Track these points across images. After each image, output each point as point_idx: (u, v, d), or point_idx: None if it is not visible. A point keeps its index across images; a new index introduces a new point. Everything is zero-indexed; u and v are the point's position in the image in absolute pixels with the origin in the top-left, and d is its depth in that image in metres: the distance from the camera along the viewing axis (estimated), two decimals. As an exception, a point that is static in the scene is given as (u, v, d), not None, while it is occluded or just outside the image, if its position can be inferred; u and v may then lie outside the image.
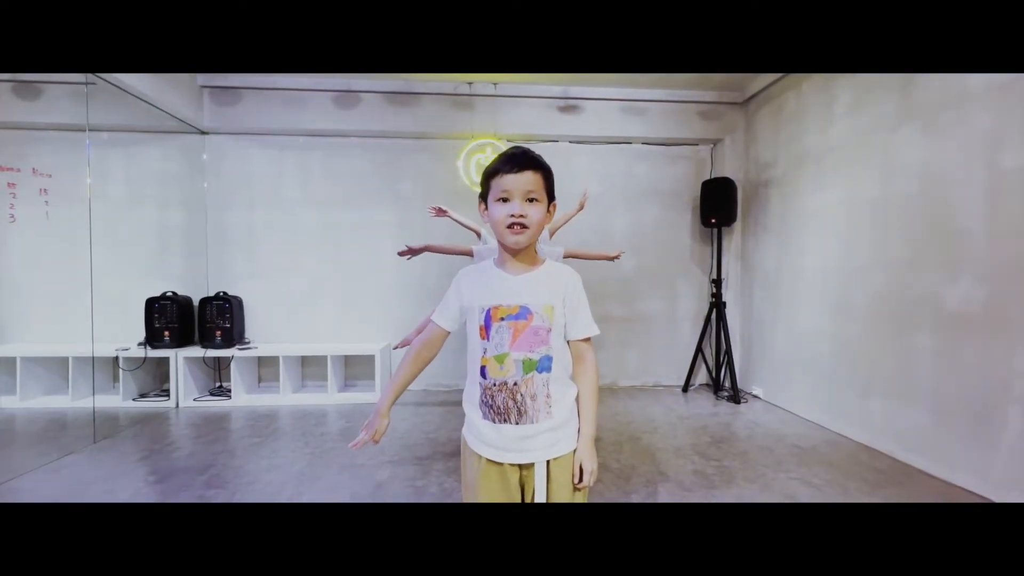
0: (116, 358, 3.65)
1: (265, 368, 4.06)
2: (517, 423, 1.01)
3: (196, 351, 3.74)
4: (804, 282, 3.44)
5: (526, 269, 1.07)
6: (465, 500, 1.14)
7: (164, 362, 3.77)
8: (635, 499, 2.13)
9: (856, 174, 2.98)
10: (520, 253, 1.05)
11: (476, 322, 1.04)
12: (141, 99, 3.41)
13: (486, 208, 1.05)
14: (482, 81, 4.01)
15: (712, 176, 4.21)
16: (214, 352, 3.74)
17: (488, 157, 4.04)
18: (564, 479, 1.05)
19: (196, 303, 3.88)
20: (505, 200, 0.99)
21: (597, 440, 1.10)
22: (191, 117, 3.82)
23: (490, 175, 1.03)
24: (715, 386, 4.07)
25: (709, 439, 2.96)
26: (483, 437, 1.04)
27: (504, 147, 4.07)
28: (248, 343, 3.92)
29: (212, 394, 3.83)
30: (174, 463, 2.57)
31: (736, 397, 3.81)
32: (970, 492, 2.21)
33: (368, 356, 3.91)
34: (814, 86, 3.34)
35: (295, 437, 2.98)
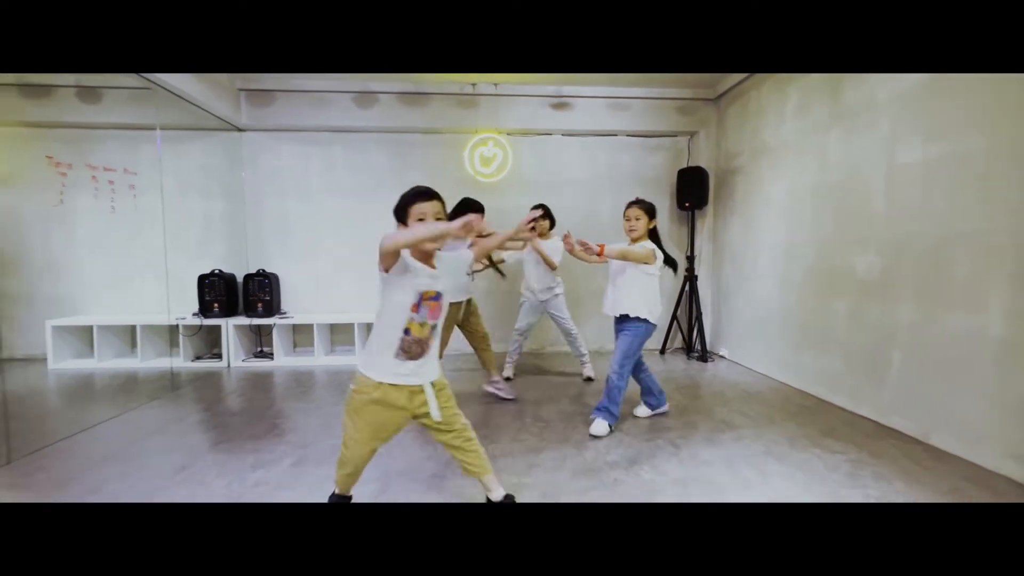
0: (176, 326, 4.29)
1: (299, 335, 4.70)
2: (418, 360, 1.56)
3: (242, 320, 4.38)
4: (762, 258, 4.03)
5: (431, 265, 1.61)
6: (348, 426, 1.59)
7: (214, 329, 4.42)
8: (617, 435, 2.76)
9: (799, 165, 3.54)
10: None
11: (410, 299, 1.51)
12: (188, 100, 3.96)
13: (404, 226, 1.57)
14: (484, 82, 4.53)
15: (687, 165, 4.76)
16: (258, 320, 4.38)
17: (490, 150, 4.62)
18: (442, 398, 1.63)
19: (240, 279, 4.51)
20: (421, 220, 1.52)
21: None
22: (230, 116, 4.38)
23: (408, 203, 1.56)
24: (687, 348, 4.69)
25: (675, 387, 3.59)
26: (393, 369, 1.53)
27: (504, 141, 4.64)
28: (285, 313, 4.55)
29: (256, 356, 4.49)
30: (242, 406, 3.23)
31: (704, 357, 4.44)
32: (868, 419, 2.84)
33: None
34: (772, 87, 3.87)
35: (333, 389, 3.63)
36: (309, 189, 4.70)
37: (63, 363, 4.19)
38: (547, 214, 3.65)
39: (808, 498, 1.94)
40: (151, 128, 4.46)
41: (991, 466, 2.18)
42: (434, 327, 1.58)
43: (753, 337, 4.15)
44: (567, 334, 3.76)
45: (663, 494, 1.98)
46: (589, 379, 3.77)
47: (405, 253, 1.49)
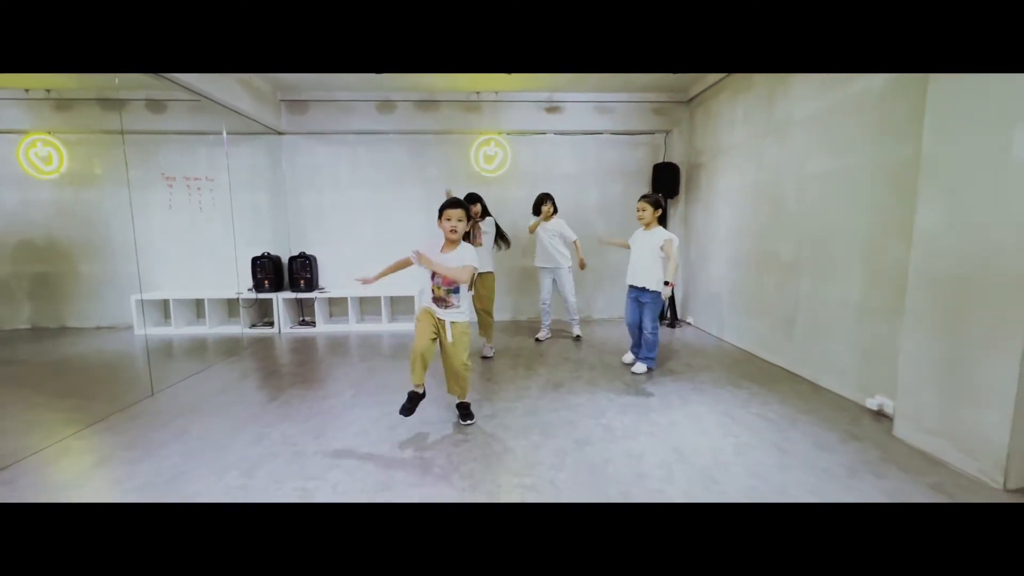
0: (236, 299, 5.23)
1: (334, 306, 5.63)
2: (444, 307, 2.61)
3: (288, 294, 5.30)
4: (717, 241, 4.84)
5: (452, 249, 2.58)
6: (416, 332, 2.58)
7: (265, 302, 5.35)
8: (585, 373, 3.66)
9: (744, 165, 4.31)
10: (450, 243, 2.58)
11: (428, 272, 2.56)
12: (240, 113, 4.77)
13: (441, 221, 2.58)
14: (487, 91, 5.28)
15: (663, 160, 5.52)
16: (303, 295, 5.30)
17: (492, 149, 5.41)
18: (456, 333, 2.62)
19: (285, 261, 5.41)
20: (448, 219, 2.52)
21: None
22: (272, 123, 5.19)
23: (443, 208, 2.56)
24: (661, 317, 5.55)
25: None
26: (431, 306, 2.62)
27: (504, 140, 5.43)
28: (323, 288, 5.47)
29: (300, 324, 5.43)
30: (300, 360, 4.17)
31: (673, 324, 5.31)
32: (780, 367, 3.71)
33: (409, 296, 5.46)
34: (728, 96, 4.60)
35: (366, 349, 4.56)
36: (340, 183, 5.54)
37: (146, 330, 5.17)
38: (550, 199, 4.48)
39: (706, 415, 2.83)
40: (213, 133, 5.31)
41: (850, 396, 3.06)
42: (449, 290, 2.57)
43: (711, 307, 5.01)
44: (566, 300, 4.64)
45: (615, 414, 2.89)
46: (578, 337, 4.68)
47: (416, 256, 2.50)
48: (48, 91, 4.94)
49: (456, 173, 5.52)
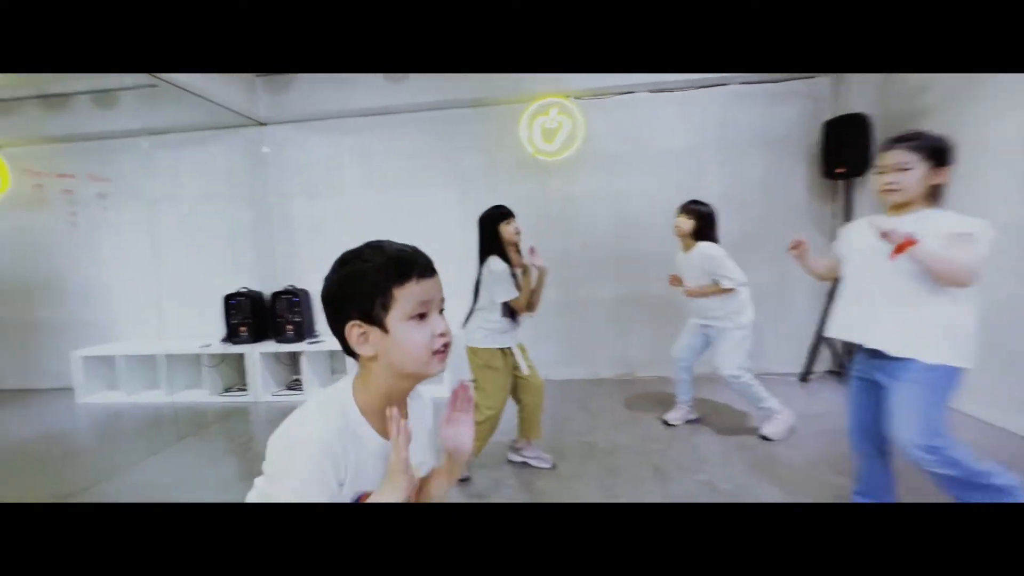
0: (200, 355, 3.76)
1: (337, 360, 4.00)
2: None
3: (271, 346, 3.75)
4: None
5: None
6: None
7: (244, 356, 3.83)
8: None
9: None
10: None
11: None
12: (199, 95, 3.32)
13: None
14: (542, 30, 3.48)
15: (837, 114, 3.35)
16: (287, 347, 3.72)
17: (553, 119, 3.56)
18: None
19: (268, 297, 3.89)
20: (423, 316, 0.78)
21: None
22: (247, 109, 3.74)
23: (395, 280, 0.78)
24: (844, 374, 3.33)
25: (846, 452, 2.34)
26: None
27: (572, 106, 3.56)
28: (317, 336, 3.86)
29: (289, 388, 3.85)
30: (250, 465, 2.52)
31: (875, 389, 3.08)
32: None
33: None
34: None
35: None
36: (342, 184, 3.96)
37: (92, 396, 3.82)
38: (701, 214, 2.59)
39: None
40: (164, 132, 3.96)
41: None
42: None
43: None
44: (721, 374, 2.60)
45: None
46: (765, 437, 2.55)
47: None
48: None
49: (500, 160, 3.74)
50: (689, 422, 2.78)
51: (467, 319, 2.26)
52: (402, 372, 0.76)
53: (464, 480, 2.21)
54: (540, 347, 3.83)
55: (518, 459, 2.38)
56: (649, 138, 3.65)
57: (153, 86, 3.38)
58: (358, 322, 0.74)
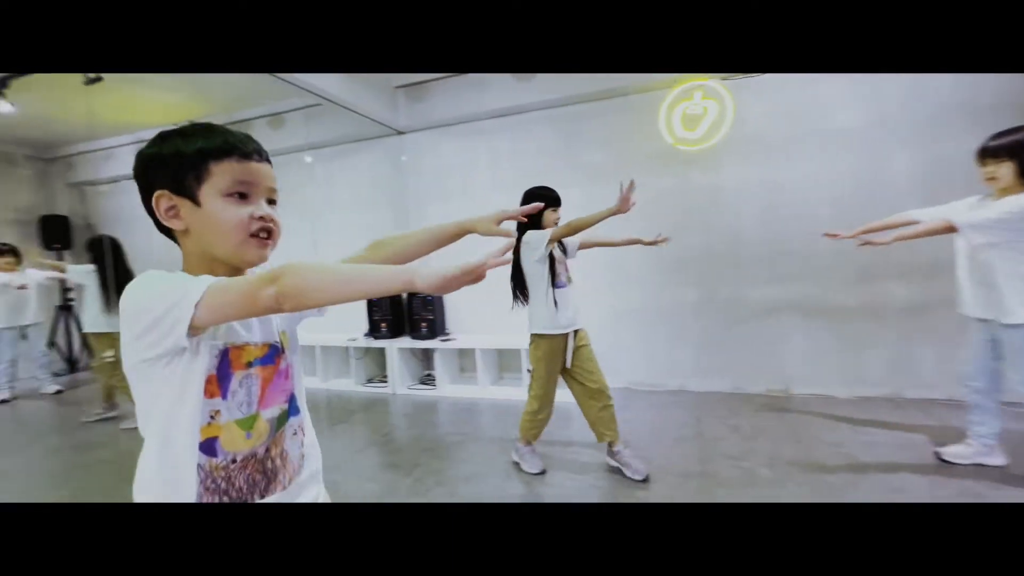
0: (347, 347, 4.11)
1: (466, 359, 4.10)
2: None
3: (407, 341, 3.96)
4: None
5: None
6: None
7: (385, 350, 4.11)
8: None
9: None
10: None
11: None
12: (351, 110, 3.62)
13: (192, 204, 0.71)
14: (685, 8, 3.18)
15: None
16: (421, 344, 3.91)
17: (697, 104, 3.24)
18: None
19: (405, 296, 4.12)
20: (243, 196, 0.71)
21: None
22: (389, 119, 4.00)
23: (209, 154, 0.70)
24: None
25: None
26: None
27: (720, 88, 3.21)
28: (448, 335, 3.99)
29: (422, 382, 4.04)
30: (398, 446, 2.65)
31: None
32: None
33: (563, 349, 3.59)
34: None
35: (496, 434, 2.82)
36: (473, 186, 4.05)
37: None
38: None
39: None
40: (323, 146, 4.41)
41: None
42: None
43: None
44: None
45: None
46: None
47: None
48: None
49: (633, 151, 3.51)
50: (976, 465, 2.11)
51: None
52: (215, 254, 0.70)
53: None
54: (673, 353, 3.54)
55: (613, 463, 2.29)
56: (813, 118, 3.15)
57: (317, 105, 3.78)
58: (167, 192, 0.68)
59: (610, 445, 2.27)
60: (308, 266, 0.58)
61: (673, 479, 2.15)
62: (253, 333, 0.73)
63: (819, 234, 3.05)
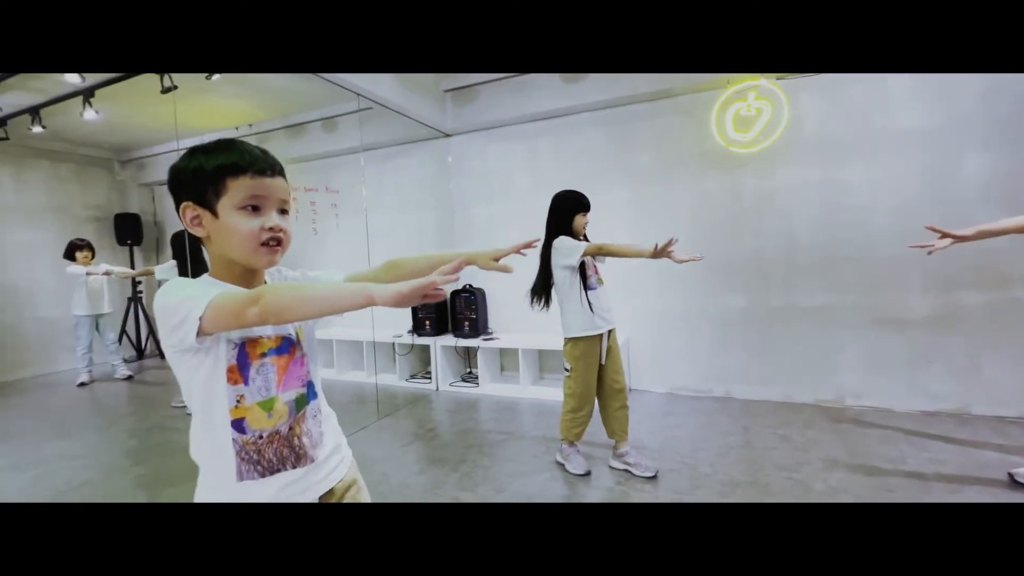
0: (393, 344, 4.24)
1: (507, 358, 4.16)
2: None
3: (450, 340, 4.05)
4: None
5: None
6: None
7: (427, 350, 4.22)
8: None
9: None
10: None
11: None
12: (402, 113, 3.75)
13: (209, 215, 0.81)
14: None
15: None
16: (463, 342, 3.99)
17: (751, 105, 3.17)
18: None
19: (448, 295, 4.21)
20: (256, 208, 0.80)
21: None
22: (437, 122, 4.10)
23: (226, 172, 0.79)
24: None
25: None
26: None
27: (775, 88, 3.13)
28: (491, 333, 4.05)
29: (464, 380, 4.12)
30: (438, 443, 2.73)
31: None
32: None
33: (605, 352, 3.58)
34: None
35: (543, 430, 2.86)
36: (515, 188, 4.09)
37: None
38: None
39: None
40: (375, 148, 4.55)
41: None
42: None
43: None
44: None
45: None
46: None
47: None
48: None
49: (682, 154, 3.47)
50: None
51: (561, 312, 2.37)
52: (230, 258, 0.80)
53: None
54: (720, 359, 3.46)
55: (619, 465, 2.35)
56: (876, 119, 3.02)
57: (369, 109, 3.92)
58: (192, 203, 0.78)
59: (616, 447, 2.35)
60: (284, 287, 0.69)
61: (721, 487, 2.12)
62: (265, 328, 0.82)
63: (881, 239, 2.93)
